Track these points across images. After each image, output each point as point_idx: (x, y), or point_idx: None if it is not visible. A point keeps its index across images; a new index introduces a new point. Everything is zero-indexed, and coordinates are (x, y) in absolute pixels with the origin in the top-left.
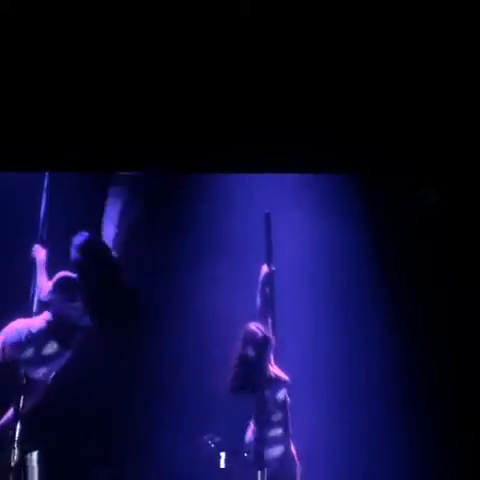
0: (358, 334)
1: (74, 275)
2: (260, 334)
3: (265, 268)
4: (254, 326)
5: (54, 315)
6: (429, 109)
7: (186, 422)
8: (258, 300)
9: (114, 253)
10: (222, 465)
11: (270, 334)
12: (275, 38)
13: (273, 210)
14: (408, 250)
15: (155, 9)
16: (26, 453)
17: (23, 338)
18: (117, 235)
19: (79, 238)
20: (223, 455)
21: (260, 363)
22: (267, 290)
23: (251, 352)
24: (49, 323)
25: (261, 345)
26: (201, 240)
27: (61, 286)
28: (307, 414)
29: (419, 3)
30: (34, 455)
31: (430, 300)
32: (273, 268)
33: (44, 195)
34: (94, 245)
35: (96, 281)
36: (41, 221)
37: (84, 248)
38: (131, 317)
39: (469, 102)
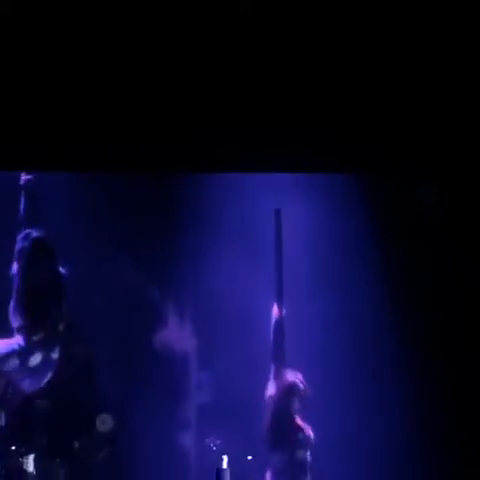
0: (357, 334)
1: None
2: (302, 386)
3: (276, 310)
4: (294, 377)
5: (30, 324)
6: (429, 109)
7: (186, 424)
8: (272, 343)
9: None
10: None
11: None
12: (275, 38)
13: (272, 209)
14: (408, 250)
15: (155, 9)
16: (22, 457)
17: (10, 352)
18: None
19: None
20: (225, 458)
21: (296, 417)
22: (279, 333)
23: (292, 405)
24: (30, 334)
25: (302, 397)
26: (201, 240)
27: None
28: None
29: (419, 3)
30: (30, 459)
31: (431, 300)
32: (284, 311)
33: (22, 193)
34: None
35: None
36: (20, 222)
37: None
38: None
39: (469, 101)
